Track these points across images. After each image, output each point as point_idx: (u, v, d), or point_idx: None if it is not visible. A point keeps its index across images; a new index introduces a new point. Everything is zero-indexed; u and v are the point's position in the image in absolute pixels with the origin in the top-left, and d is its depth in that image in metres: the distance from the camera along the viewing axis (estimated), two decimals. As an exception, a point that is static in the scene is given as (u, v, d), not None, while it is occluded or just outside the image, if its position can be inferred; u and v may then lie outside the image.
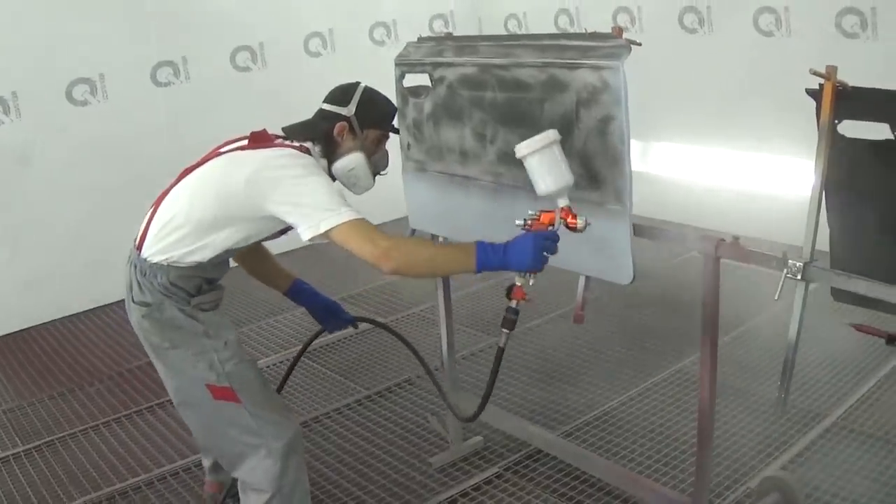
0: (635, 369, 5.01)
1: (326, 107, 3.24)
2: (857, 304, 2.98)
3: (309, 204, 2.83)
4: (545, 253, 2.72)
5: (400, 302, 6.43)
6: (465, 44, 3.45)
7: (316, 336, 3.86)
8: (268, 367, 5.51)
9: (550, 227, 2.76)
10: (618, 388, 4.82)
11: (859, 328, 3.22)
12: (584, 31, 6.94)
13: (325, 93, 3.31)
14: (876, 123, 2.77)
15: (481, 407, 3.15)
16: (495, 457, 4.26)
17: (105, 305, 6.74)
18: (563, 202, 2.75)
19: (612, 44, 2.77)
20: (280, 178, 2.89)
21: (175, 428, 4.82)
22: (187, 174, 3.11)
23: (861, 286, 2.59)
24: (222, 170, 3.03)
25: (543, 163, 2.70)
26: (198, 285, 3.11)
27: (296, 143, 3.09)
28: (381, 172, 3.32)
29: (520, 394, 4.87)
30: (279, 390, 3.64)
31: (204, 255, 3.04)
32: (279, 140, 3.12)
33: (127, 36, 6.79)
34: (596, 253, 2.96)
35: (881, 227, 2.89)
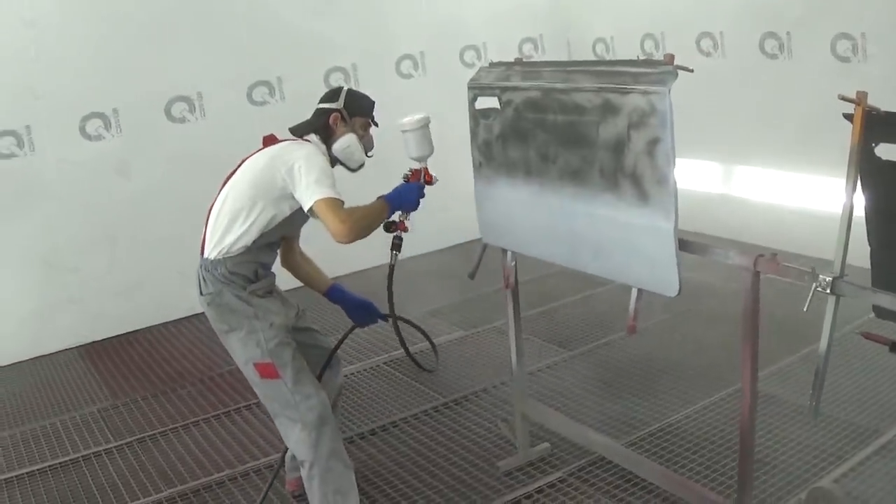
0: (702, 385, 5.12)
1: (321, 105, 3.93)
2: (896, 321, 3.10)
3: (311, 181, 3.49)
4: (419, 198, 3.84)
5: (478, 317, 6.63)
6: (531, 69, 3.68)
7: (350, 332, 4.39)
8: (352, 374, 5.79)
9: (422, 181, 3.92)
10: (683, 402, 4.95)
11: (867, 336, 3.33)
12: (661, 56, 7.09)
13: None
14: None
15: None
16: (560, 462, 4.44)
17: (197, 314, 6.97)
18: (424, 164, 3.96)
19: (661, 70, 2.96)
20: (292, 160, 3.56)
21: (259, 428, 5.12)
22: (226, 183, 3.76)
23: (885, 300, 2.73)
24: (248, 167, 3.72)
25: (419, 137, 3.91)
26: (254, 270, 3.70)
27: (300, 139, 3.83)
28: (369, 154, 3.96)
29: (590, 405, 5.04)
30: (319, 377, 3.94)
31: (248, 239, 3.63)
32: (285, 139, 3.85)
33: (225, 56, 7.16)
34: (645, 267, 3.15)
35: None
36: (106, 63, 6.72)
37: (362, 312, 4.32)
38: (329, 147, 3.85)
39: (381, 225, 3.78)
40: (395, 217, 3.86)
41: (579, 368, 5.59)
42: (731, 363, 4.81)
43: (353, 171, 3.92)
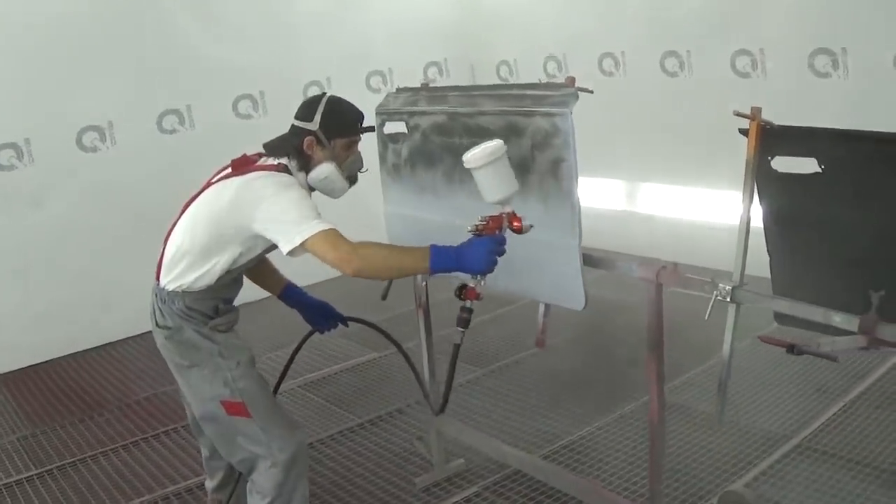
0: (612, 397, 5.21)
1: (296, 122, 3.42)
2: (799, 327, 3.19)
3: (285, 220, 3.07)
4: (496, 256, 2.98)
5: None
6: (437, 94, 3.78)
7: (308, 337, 4.02)
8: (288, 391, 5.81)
9: (498, 232, 3.00)
10: (595, 414, 5.04)
11: (764, 339, 3.41)
12: (563, 77, 7.24)
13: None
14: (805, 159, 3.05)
15: (445, 397, 3.56)
16: (476, 477, 4.51)
17: (113, 342, 7.03)
18: (508, 207, 2.98)
19: (562, 92, 3.08)
20: (259, 199, 3.13)
21: (178, 453, 5.13)
22: (187, 207, 3.41)
23: (782, 305, 2.86)
24: (211, 198, 3.30)
25: (496, 173, 2.92)
26: (214, 306, 3.40)
27: (274, 162, 3.33)
28: (361, 171, 3.48)
29: (502, 421, 5.13)
30: (275, 392, 3.84)
31: (211, 278, 3.31)
32: (259, 162, 3.35)
33: (134, 85, 7.15)
34: (552, 282, 3.25)
35: (814, 255, 3.14)
36: (16, 92, 6.67)
37: (321, 315, 3.95)
38: (307, 173, 3.38)
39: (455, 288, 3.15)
40: (470, 281, 3.08)
41: (492, 385, 5.69)
42: (641, 376, 4.94)
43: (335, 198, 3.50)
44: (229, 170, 3.36)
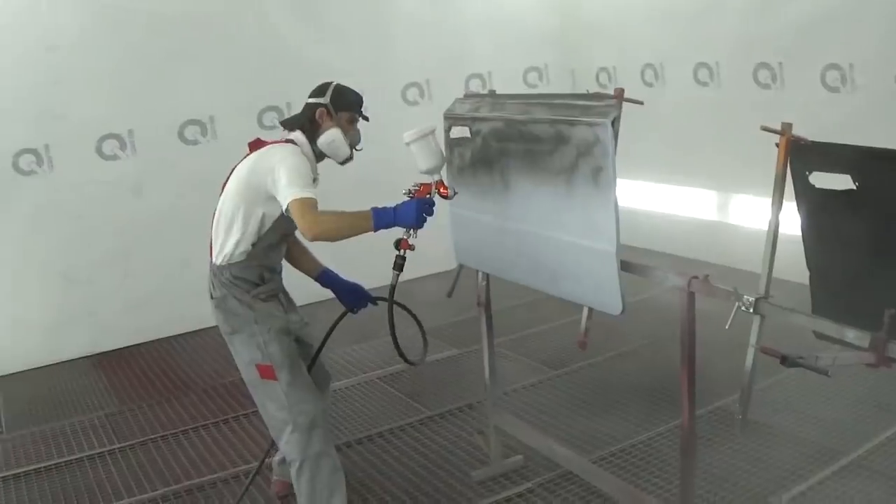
0: (673, 407, 5.20)
1: (310, 100, 4.02)
2: (837, 343, 3.22)
3: (284, 184, 3.58)
4: (424, 215, 3.56)
5: (472, 336, 6.76)
6: (498, 101, 3.92)
7: (342, 317, 4.31)
8: (347, 387, 6.07)
9: (428, 195, 3.62)
10: (653, 422, 5.10)
11: (764, 350, 3.44)
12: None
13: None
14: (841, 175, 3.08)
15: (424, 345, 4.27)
16: (531, 474, 4.64)
17: (205, 329, 7.33)
18: (437, 177, 3.64)
19: (605, 104, 3.19)
20: (270, 165, 3.68)
21: (254, 434, 5.38)
22: (222, 190, 3.92)
23: (802, 320, 2.91)
24: (237, 174, 3.86)
25: (424, 148, 3.60)
26: (259, 274, 3.91)
27: (283, 139, 3.91)
28: (357, 148, 4.03)
29: (565, 422, 5.25)
30: (309, 370, 4.11)
31: (247, 243, 3.82)
32: (270, 141, 3.91)
33: (236, 82, 7.49)
34: (592, 287, 3.36)
35: (851, 269, 3.16)
36: (122, 86, 7.06)
37: (354, 296, 4.35)
38: (315, 142, 3.93)
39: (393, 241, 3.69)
40: (404, 234, 3.67)
41: (562, 387, 5.81)
42: (706, 386, 4.96)
43: (340, 163, 4.02)
44: (248, 151, 3.92)
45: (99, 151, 7.13)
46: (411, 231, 3.62)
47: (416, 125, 3.63)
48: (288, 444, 3.87)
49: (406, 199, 3.62)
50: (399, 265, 3.68)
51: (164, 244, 7.30)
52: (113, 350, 7.31)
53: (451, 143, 4.12)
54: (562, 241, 3.43)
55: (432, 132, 3.64)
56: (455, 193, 3.68)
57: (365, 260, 5.37)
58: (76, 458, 5.29)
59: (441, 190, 3.66)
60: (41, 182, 6.97)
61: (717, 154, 7.69)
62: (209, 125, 7.43)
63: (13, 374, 6.97)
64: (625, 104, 4.75)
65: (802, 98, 6.77)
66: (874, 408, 5.04)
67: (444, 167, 3.75)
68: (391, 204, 3.57)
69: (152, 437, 5.52)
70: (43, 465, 5.23)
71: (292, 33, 7.68)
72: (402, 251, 3.66)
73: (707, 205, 8.21)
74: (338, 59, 7.67)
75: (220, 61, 7.41)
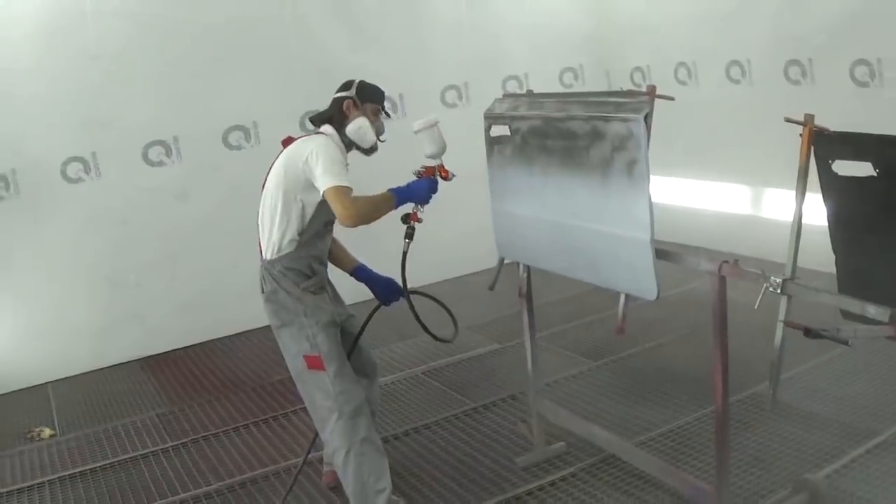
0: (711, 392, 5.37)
1: (337, 94, 4.28)
2: (864, 323, 3.37)
3: (320, 172, 3.87)
4: (429, 192, 4.07)
5: (515, 330, 6.93)
6: (535, 100, 4.12)
7: (375, 310, 4.49)
8: (392, 382, 6.27)
9: (432, 177, 4.12)
10: (695, 407, 5.24)
11: (788, 324, 3.58)
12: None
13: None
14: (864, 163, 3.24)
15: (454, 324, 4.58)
16: (574, 459, 4.81)
17: (252, 330, 7.55)
18: (439, 161, 4.12)
19: (638, 100, 3.38)
20: (305, 155, 3.94)
21: (303, 429, 5.56)
22: (262, 190, 4.17)
23: (825, 297, 3.08)
24: (274, 171, 4.11)
25: (429, 136, 4.08)
26: (308, 264, 4.12)
27: (313, 133, 4.23)
28: (381, 139, 4.30)
29: (606, 409, 5.42)
30: (349, 353, 4.31)
31: (293, 232, 4.05)
32: (301, 136, 4.22)
33: (278, 89, 7.68)
34: (628, 274, 3.55)
35: (874, 255, 3.32)
36: (167, 94, 7.25)
37: (387, 289, 4.55)
38: (342, 131, 4.19)
39: (400, 216, 4.14)
40: (410, 209, 4.14)
41: (602, 377, 5.97)
42: (747, 372, 5.09)
43: (366, 152, 4.27)
44: (281, 149, 4.19)
45: (145, 158, 7.32)
46: (419, 206, 4.11)
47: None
48: (333, 433, 4.05)
49: (415, 178, 4.14)
50: (409, 234, 4.14)
51: (210, 248, 7.48)
52: (161, 353, 7.50)
53: (492, 142, 4.32)
54: (599, 231, 3.61)
55: (436, 123, 4.10)
56: (454, 175, 4.13)
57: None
58: (130, 457, 5.48)
59: (442, 172, 4.14)
60: (89, 189, 7.16)
61: (749, 149, 7.78)
62: (252, 130, 7.62)
63: (64, 378, 7.15)
64: (657, 101, 5.02)
65: (832, 93, 6.88)
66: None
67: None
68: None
69: (203, 434, 5.72)
70: (99, 464, 5.42)
71: (333, 39, 7.86)
72: (412, 223, 4.13)
73: (740, 199, 8.34)
74: (378, 63, 7.74)
75: (263, 68, 7.60)
